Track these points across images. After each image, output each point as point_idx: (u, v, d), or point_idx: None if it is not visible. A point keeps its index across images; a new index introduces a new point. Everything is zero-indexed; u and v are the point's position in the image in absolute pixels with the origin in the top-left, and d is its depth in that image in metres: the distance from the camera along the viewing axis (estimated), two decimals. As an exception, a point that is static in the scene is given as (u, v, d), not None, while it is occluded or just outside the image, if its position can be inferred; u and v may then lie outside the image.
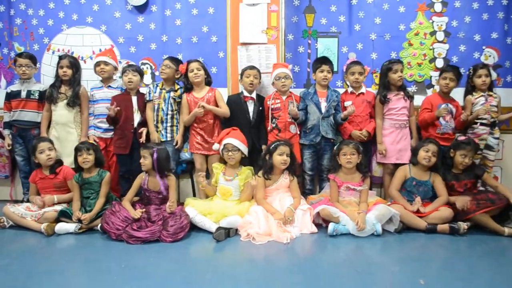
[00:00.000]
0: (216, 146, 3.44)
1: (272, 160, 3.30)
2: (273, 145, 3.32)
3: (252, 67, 3.63)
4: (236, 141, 3.32)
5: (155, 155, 3.16)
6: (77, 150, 3.30)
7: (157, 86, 3.72)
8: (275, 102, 3.64)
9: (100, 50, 4.09)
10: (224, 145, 3.32)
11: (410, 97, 3.67)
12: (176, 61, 3.73)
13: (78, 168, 3.33)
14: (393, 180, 3.40)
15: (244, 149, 3.37)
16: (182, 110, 3.68)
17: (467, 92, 3.72)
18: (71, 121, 3.72)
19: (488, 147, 3.58)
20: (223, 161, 3.48)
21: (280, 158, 3.28)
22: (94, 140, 3.63)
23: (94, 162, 3.30)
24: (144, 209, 3.07)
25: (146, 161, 3.17)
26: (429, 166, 3.31)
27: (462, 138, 3.40)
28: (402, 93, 3.66)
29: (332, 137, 3.66)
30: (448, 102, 3.62)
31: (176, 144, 3.68)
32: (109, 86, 3.80)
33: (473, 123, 3.63)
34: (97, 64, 3.78)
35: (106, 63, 3.77)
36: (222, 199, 3.33)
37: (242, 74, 3.64)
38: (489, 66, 3.71)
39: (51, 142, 3.42)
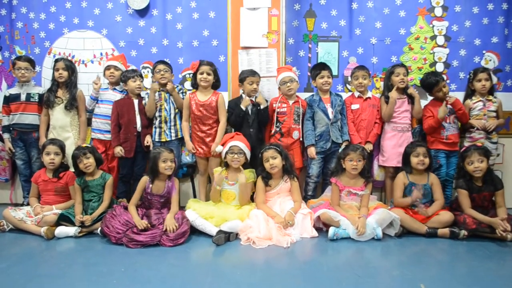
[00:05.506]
0: (219, 148, 3.38)
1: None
2: (260, 155, 3.33)
3: (254, 73, 3.58)
4: (242, 144, 3.29)
5: (175, 159, 3.23)
6: (75, 157, 3.26)
7: None
8: (281, 106, 3.62)
9: (101, 54, 4.09)
10: (230, 147, 3.28)
11: (413, 98, 3.66)
12: (168, 64, 3.73)
13: (79, 173, 3.31)
14: (395, 191, 3.32)
15: (248, 153, 3.36)
16: (183, 110, 3.66)
17: (467, 96, 3.73)
18: (68, 124, 3.73)
19: None
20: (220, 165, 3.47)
21: (267, 164, 3.28)
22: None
23: (95, 164, 3.29)
24: (149, 226, 2.96)
25: (173, 164, 3.18)
26: (424, 168, 3.29)
27: (464, 148, 3.37)
28: (405, 96, 3.68)
29: (343, 142, 3.66)
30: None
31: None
32: (115, 89, 3.84)
33: (469, 127, 3.65)
34: (108, 68, 3.81)
35: (116, 68, 3.80)
36: (225, 203, 3.32)
37: (243, 79, 3.59)
38: (490, 70, 3.71)
39: (61, 147, 3.39)
